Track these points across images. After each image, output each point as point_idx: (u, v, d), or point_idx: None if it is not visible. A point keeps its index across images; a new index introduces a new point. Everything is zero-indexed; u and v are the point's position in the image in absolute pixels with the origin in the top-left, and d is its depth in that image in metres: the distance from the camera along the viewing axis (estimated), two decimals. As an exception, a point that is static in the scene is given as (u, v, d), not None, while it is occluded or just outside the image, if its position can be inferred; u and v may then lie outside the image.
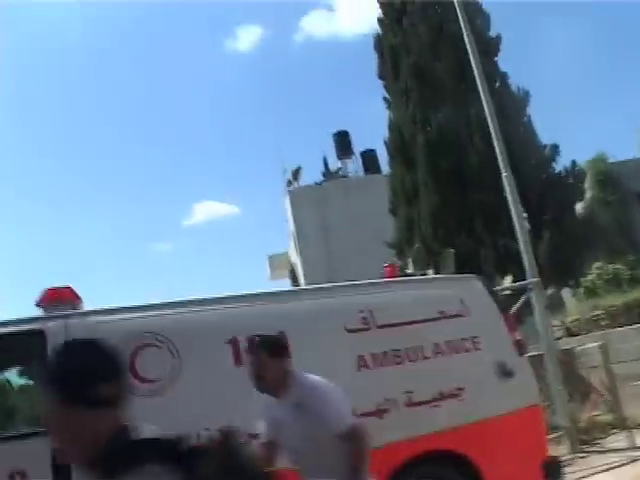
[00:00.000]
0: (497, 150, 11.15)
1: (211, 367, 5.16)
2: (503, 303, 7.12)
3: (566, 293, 25.29)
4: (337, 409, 3.83)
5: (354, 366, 5.55)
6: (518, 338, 6.34)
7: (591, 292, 24.55)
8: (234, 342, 5.24)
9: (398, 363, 5.68)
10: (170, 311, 5.46)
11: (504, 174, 10.90)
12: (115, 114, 58.38)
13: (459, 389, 5.78)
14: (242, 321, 5.41)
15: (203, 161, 62.06)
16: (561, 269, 19.50)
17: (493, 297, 6.39)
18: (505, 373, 5.99)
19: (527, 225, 10.65)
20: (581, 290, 25.14)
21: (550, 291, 21.53)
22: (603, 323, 16.79)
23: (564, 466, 7.63)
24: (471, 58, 11.75)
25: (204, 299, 5.72)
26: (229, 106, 59.26)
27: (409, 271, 16.68)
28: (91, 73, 56.46)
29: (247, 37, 61.79)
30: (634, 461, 8.23)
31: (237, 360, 5.19)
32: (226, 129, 60.50)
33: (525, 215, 11.04)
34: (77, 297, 5.38)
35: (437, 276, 8.58)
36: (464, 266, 17.30)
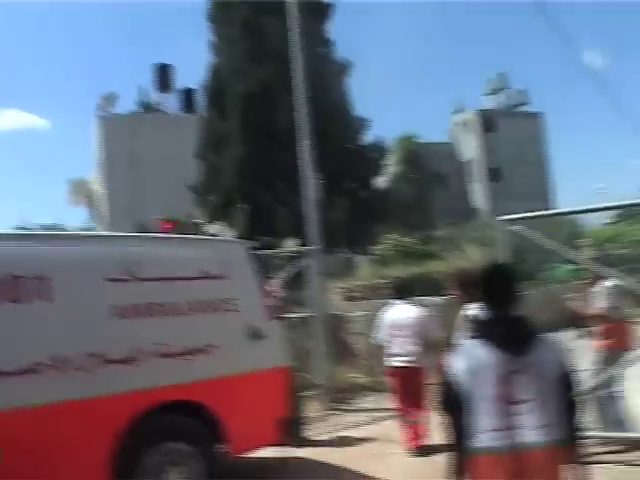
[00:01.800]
0: (300, 113, 11.32)
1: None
2: (273, 267, 7.35)
3: (362, 259, 26.63)
4: None
5: (109, 314, 5.52)
6: (276, 303, 6.63)
7: (382, 261, 26.09)
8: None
9: (152, 316, 5.72)
10: None
11: (304, 140, 11.10)
12: None
13: (209, 346, 5.94)
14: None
15: (17, 67, 57.44)
16: (356, 236, 20.40)
17: (253, 262, 6.60)
18: (255, 335, 6.24)
19: (317, 192, 10.95)
20: (374, 258, 26.61)
21: (343, 256, 22.58)
22: (386, 292, 17.96)
23: (302, 425, 8.18)
24: (290, 14, 11.65)
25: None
26: (52, 20, 55.13)
27: (198, 221, 16.75)
28: None
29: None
30: (378, 420, 8.91)
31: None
32: (49, 40, 56.35)
33: (321, 181, 11.34)
34: None
35: (201, 237, 8.67)
36: (260, 222, 17.67)
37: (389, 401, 8.07)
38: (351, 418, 9.36)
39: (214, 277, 6.15)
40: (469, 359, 2.72)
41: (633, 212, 37.59)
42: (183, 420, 5.81)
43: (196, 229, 17.45)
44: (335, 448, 7.84)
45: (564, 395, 2.71)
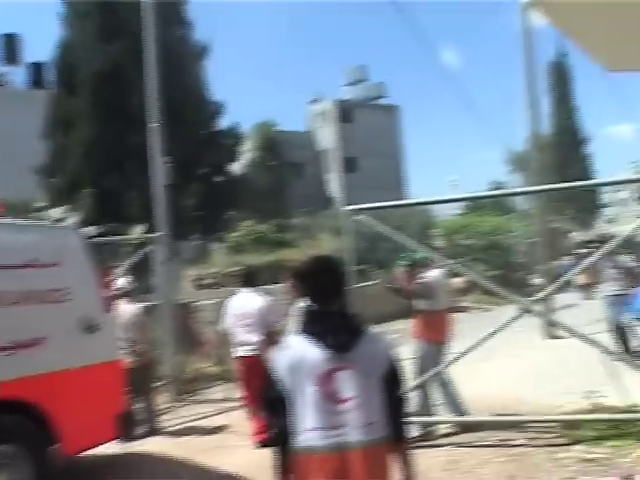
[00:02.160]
0: (150, 93, 10.90)
1: None
2: (120, 254, 7.00)
3: (217, 246, 26.31)
4: None
5: None
6: (109, 294, 6.30)
7: (237, 248, 25.98)
8: None
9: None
10: None
11: (153, 122, 10.70)
12: None
13: (38, 339, 5.52)
14: None
15: None
16: (210, 223, 20.05)
17: (89, 250, 6.23)
18: (89, 328, 5.89)
19: (166, 177, 10.58)
20: (228, 245, 26.42)
21: (197, 243, 22.20)
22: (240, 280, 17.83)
23: (147, 418, 7.94)
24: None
25: None
26: None
27: (40, 204, 15.76)
28: None
29: None
30: (227, 411, 8.76)
31: None
32: None
33: (171, 165, 10.96)
34: None
35: (33, 223, 8.09)
36: (108, 207, 16.92)
37: (239, 391, 7.95)
38: (200, 409, 9.16)
39: (45, 265, 5.71)
40: (292, 355, 2.62)
41: (482, 204, 39.92)
42: (8, 419, 5.36)
43: (36, 213, 16.48)
44: (181, 441, 7.64)
45: (390, 391, 2.65)
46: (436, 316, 6.79)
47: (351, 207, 6.06)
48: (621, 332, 9.86)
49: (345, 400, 2.54)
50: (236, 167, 23.13)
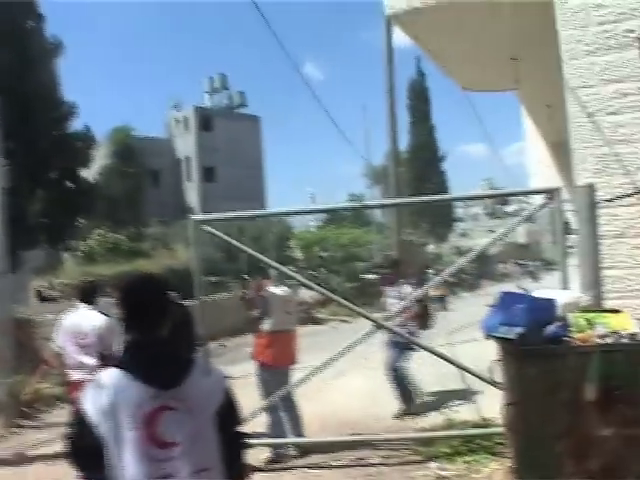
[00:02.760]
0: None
1: None
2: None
3: (69, 255, 24.94)
4: None
5: None
6: None
7: (89, 258, 24.75)
8: None
9: None
10: None
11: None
12: None
13: None
14: None
15: None
16: (59, 230, 18.89)
17: None
18: None
19: (3, 179, 9.68)
20: (80, 254, 25.12)
21: (45, 252, 20.87)
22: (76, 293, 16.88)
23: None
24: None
25: None
26: None
27: None
28: None
29: None
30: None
31: None
32: None
33: (6, 167, 10.07)
34: None
35: None
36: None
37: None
38: (37, 435, 8.39)
39: None
40: (108, 395, 2.12)
41: (340, 217, 40.61)
42: None
43: None
44: (18, 471, 6.92)
45: (226, 428, 2.28)
46: (276, 337, 6.30)
47: (199, 217, 5.75)
48: (399, 379, 7.64)
49: (173, 444, 2.13)
50: (89, 172, 22.00)
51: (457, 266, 6.83)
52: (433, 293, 20.99)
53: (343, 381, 9.49)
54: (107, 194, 28.02)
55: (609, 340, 3.15)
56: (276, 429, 6.21)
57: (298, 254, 28.17)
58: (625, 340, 3.14)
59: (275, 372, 6.27)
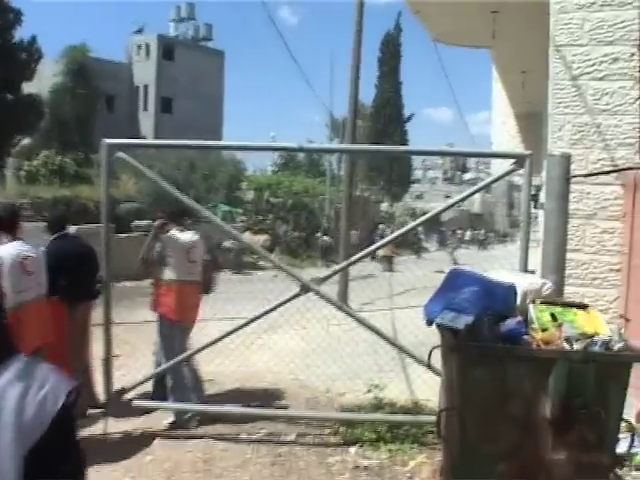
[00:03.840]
0: None
1: None
2: None
3: (9, 174, 23.76)
4: None
5: None
6: None
7: (32, 178, 23.58)
8: None
9: None
10: None
11: None
12: None
13: None
14: None
15: None
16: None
17: None
18: None
19: None
20: (21, 174, 23.95)
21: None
22: (27, 213, 15.98)
23: None
24: None
25: None
26: None
27: None
28: None
29: None
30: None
31: None
32: None
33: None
34: None
35: None
36: None
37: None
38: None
39: None
40: None
41: (296, 164, 39.88)
42: None
43: None
44: None
45: (49, 474, 1.29)
46: (174, 288, 5.44)
47: (113, 141, 4.93)
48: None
49: None
50: (35, 87, 20.74)
51: (409, 227, 6.32)
52: (381, 253, 20.73)
53: (273, 337, 8.70)
54: (57, 114, 26.66)
55: (577, 346, 2.62)
56: (178, 392, 5.49)
57: (249, 196, 27.50)
58: (597, 348, 2.61)
59: (174, 327, 5.48)
